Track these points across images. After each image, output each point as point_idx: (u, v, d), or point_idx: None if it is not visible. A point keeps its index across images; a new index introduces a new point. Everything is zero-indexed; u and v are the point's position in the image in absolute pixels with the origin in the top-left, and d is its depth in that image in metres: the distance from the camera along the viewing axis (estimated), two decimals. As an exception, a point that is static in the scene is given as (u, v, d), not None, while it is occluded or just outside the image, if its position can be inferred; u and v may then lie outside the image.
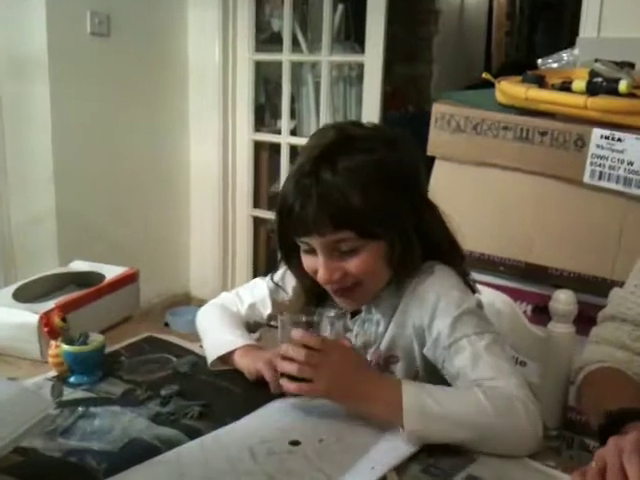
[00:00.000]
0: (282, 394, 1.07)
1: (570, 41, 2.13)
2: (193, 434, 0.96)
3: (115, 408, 1.03)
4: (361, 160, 1.03)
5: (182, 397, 1.06)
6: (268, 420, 1.00)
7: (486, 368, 0.99)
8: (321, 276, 1.06)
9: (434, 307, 1.06)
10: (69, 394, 1.09)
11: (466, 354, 1.01)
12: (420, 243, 1.08)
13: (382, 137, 1.08)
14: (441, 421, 0.93)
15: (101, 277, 1.39)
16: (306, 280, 1.13)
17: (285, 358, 0.98)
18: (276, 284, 1.23)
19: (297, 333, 0.99)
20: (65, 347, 1.12)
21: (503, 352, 1.04)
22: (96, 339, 1.14)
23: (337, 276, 1.05)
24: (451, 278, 1.10)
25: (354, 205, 1.01)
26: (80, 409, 1.03)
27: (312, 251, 1.07)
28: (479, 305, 1.10)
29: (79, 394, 1.09)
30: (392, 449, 0.91)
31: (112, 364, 1.18)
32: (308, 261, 1.08)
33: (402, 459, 0.89)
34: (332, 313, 1.06)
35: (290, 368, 0.97)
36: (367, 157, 1.03)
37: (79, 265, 1.47)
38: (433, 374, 1.09)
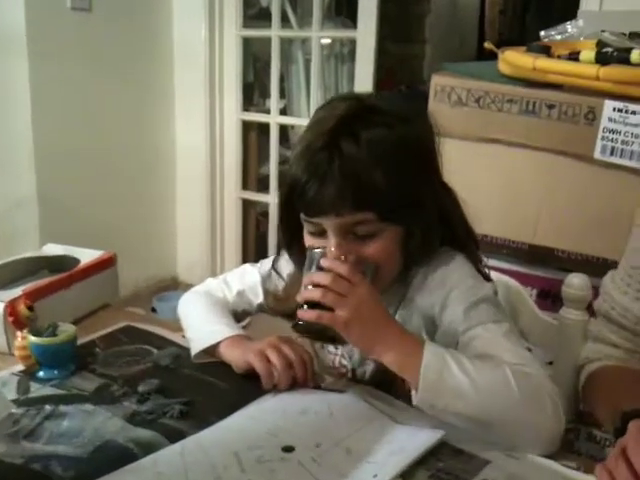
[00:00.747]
0: (274, 387, 0.98)
1: (562, 20, 2.04)
2: (173, 436, 0.86)
3: (87, 406, 0.93)
4: (383, 134, 0.93)
5: (162, 394, 0.96)
6: (258, 422, 0.90)
7: (508, 354, 0.90)
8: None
9: (446, 295, 0.98)
10: (37, 390, 0.99)
11: (483, 341, 0.92)
12: (439, 230, 0.99)
13: (400, 112, 0.98)
14: (460, 388, 0.84)
15: (76, 262, 1.28)
16: None
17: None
18: (275, 270, 1.14)
19: (326, 261, 0.90)
20: (32, 339, 1.01)
21: (520, 342, 0.95)
22: (66, 330, 1.03)
23: (351, 261, 0.94)
24: (464, 266, 1.01)
25: (378, 182, 0.91)
26: (48, 408, 0.93)
27: (320, 233, 0.96)
28: (495, 293, 1.02)
29: (48, 390, 0.99)
30: (396, 453, 0.81)
31: (85, 357, 1.08)
32: (315, 244, 0.98)
33: (408, 464, 0.79)
34: None
35: (313, 293, 0.88)
36: (389, 132, 0.94)
37: (52, 249, 1.36)
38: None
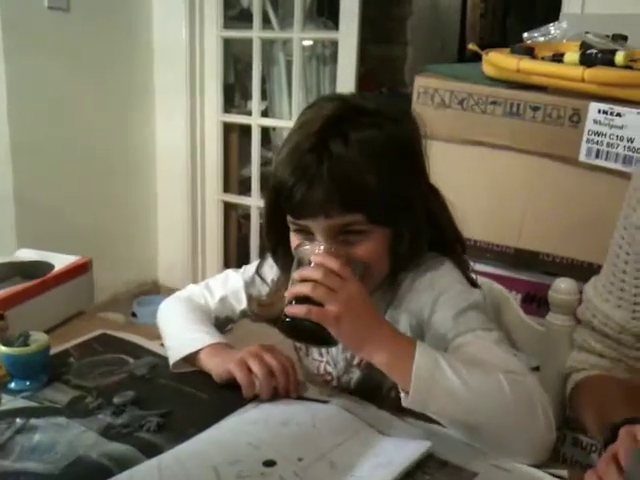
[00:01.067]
0: (255, 397, 0.95)
1: (543, 23, 2.03)
2: (150, 450, 0.82)
3: (60, 419, 0.89)
4: (372, 135, 0.92)
5: (138, 406, 0.93)
6: (238, 434, 0.86)
7: (499, 361, 0.88)
8: None
9: (435, 300, 0.96)
10: (8, 402, 0.95)
11: (474, 347, 0.90)
12: (428, 232, 0.97)
13: (388, 112, 0.97)
14: (452, 391, 0.81)
15: (50, 267, 1.24)
16: None
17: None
18: (259, 275, 1.11)
19: (317, 256, 0.87)
20: (2, 349, 0.97)
21: (511, 350, 0.93)
22: (38, 339, 0.99)
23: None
24: (453, 271, 1.00)
25: (368, 183, 0.89)
26: (19, 421, 0.89)
27: (308, 237, 0.94)
28: (483, 299, 1.00)
29: (19, 402, 0.95)
30: (382, 466, 0.78)
31: (59, 367, 1.04)
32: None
33: (394, 478, 0.76)
34: None
35: (302, 288, 0.85)
36: (378, 132, 0.92)
37: (26, 254, 1.32)
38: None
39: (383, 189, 0.91)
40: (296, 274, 0.88)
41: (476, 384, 0.82)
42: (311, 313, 0.84)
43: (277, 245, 1.02)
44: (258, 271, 1.12)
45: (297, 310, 0.84)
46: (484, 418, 0.82)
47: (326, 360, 1.10)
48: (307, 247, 0.91)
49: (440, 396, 0.82)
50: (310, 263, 0.88)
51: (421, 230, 0.96)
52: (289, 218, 0.95)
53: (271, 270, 1.10)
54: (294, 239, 0.97)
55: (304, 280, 0.86)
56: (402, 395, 0.84)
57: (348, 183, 0.89)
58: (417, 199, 0.96)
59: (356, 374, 1.06)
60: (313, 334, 0.86)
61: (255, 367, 0.96)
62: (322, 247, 0.90)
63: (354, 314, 0.85)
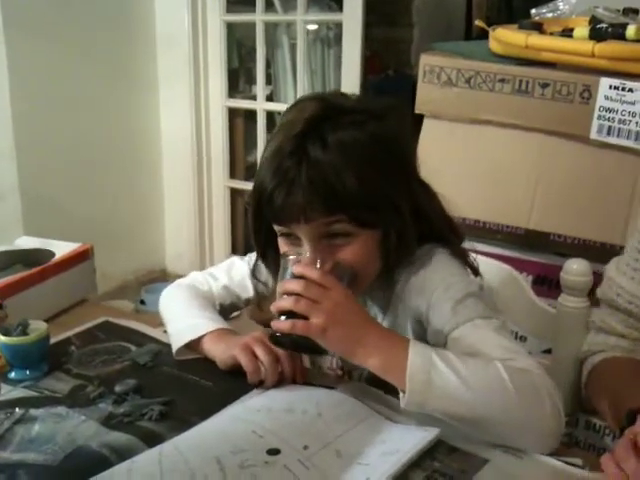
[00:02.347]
0: (260, 383, 0.94)
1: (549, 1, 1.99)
2: (151, 440, 0.80)
3: (60, 409, 0.88)
4: (353, 135, 0.89)
5: (140, 394, 0.91)
6: (242, 422, 0.84)
7: (499, 350, 0.85)
8: None
9: (431, 295, 0.93)
10: (7, 392, 0.93)
11: (473, 338, 0.88)
12: (416, 228, 0.95)
13: (371, 109, 0.94)
14: (450, 389, 0.79)
15: (51, 255, 1.22)
16: None
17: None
18: (255, 277, 1.09)
19: (297, 267, 0.86)
20: (1, 338, 0.96)
21: (512, 337, 0.91)
22: (37, 328, 0.97)
23: (327, 268, 0.89)
24: (448, 262, 0.97)
25: (348, 186, 0.87)
26: (18, 411, 0.87)
27: (294, 241, 0.92)
28: (481, 289, 0.98)
29: (19, 392, 0.93)
30: (389, 454, 0.76)
31: (60, 355, 1.02)
32: (290, 251, 0.93)
33: (402, 465, 0.74)
34: None
35: (285, 302, 0.84)
36: (359, 131, 0.90)
37: (26, 241, 1.30)
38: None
39: (365, 190, 0.88)
40: (279, 287, 0.87)
41: (475, 380, 0.80)
42: (296, 327, 0.83)
43: (266, 249, 1.00)
44: (254, 272, 1.09)
45: (282, 325, 0.84)
46: (485, 414, 0.80)
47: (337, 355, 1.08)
48: (291, 257, 0.90)
49: (438, 396, 0.80)
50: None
51: (408, 227, 0.94)
52: (273, 222, 0.94)
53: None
54: (281, 244, 0.95)
55: (287, 293, 0.85)
56: (400, 396, 0.82)
57: (327, 186, 0.87)
58: (403, 196, 0.93)
59: (366, 369, 1.04)
60: (305, 345, 0.86)
61: (260, 353, 0.94)
62: (307, 255, 0.89)
63: (340, 323, 0.83)
